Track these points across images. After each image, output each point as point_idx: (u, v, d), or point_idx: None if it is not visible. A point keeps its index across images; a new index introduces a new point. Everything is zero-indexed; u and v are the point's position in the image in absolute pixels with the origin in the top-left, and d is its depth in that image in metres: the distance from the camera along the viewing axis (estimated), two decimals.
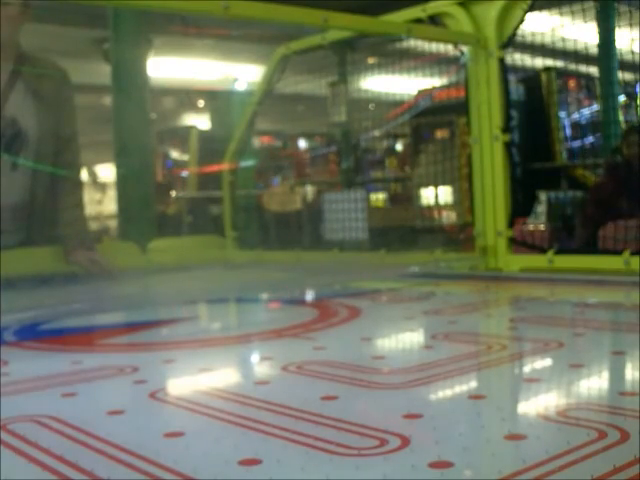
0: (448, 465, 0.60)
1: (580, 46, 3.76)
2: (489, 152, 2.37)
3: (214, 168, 5.71)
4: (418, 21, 2.53)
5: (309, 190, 8.35)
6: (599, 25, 5.03)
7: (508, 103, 2.40)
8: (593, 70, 5.58)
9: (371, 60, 3.94)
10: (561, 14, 3.55)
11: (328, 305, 1.65)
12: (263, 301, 1.97)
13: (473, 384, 0.89)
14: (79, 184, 2.39)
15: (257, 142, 8.29)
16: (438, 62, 3.29)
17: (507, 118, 2.38)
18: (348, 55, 3.59)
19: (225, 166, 3.38)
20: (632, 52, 4.30)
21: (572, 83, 5.91)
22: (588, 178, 5.60)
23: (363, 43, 3.36)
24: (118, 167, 5.09)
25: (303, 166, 8.73)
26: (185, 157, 9.09)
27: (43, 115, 2.21)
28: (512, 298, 1.85)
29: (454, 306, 1.66)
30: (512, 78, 3.75)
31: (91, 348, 1.26)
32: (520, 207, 2.76)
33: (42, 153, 2.21)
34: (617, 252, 2.13)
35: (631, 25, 3.43)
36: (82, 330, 1.47)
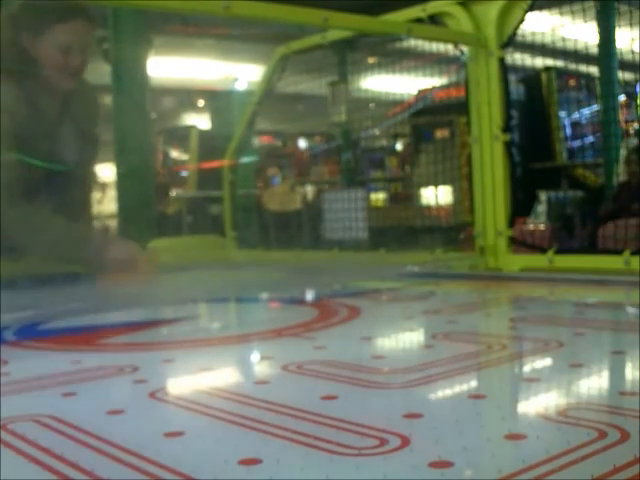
0: (448, 465, 0.60)
1: (580, 46, 3.76)
2: (489, 152, 2.37)
3: (214, 164, 5.72)
4: (418, 21, 2.53)
5: (309, 189, 8.35)
6: (599, 25, 5.02)
7: (508, 103, 2.40)
8: (593, 70, 5.57)
9: (371, 60, 3.94)
10: (561, 14, 3.54)
11: (328, 305, 1.65)
12: (263, 301, 1.97)
13: (473, 384, 0.89)
14: (90, 182, 2.41)
15: (257, 142, 8.28)
16: (438, 62, 3.29)
17: (507, 118, 2.38)
18: (348, 55, 3.59)
19: (225, 162, 3.38)
20: (632, 52, 4.30)
21: (572, 83, 5.91)
22: (588, 178, 5.60)
23: (363, 43, 3.35)
24: (118, 166, 5.09)
25: (303, 165, 8.73)
26: (185, 157, 9.09)
27: (85, 155, 2.25)
28: (512, 298, 1.85)
29: (454, 306, 1.66)
30: (512, 78, 3.75)
31: (91, 348, 1.26)
32: (520, 207, 2.76)
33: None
34: (617, 252, 2.13)
35: (631, 25, 3.43)
36: (82, 330, 1.47)
